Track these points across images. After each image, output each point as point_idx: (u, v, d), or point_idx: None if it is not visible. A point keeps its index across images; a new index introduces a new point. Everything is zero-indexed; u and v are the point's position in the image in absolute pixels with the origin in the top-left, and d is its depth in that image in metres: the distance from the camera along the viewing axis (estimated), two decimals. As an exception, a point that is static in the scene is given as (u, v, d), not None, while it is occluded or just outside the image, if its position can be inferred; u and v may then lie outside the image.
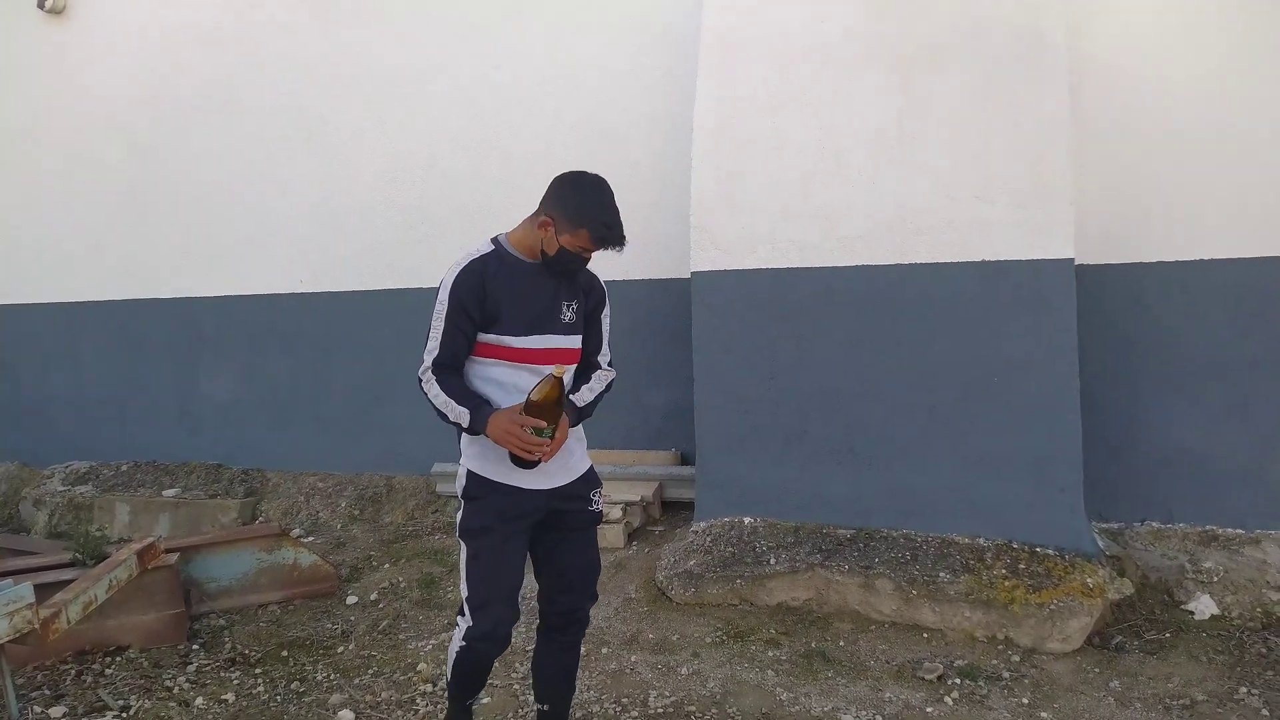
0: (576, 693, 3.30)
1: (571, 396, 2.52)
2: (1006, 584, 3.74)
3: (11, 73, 6.59)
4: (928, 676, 3.39)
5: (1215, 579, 4.00)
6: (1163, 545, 4.25)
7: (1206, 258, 4.34)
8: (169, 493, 5.75)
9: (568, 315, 2.51)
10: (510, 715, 3.19)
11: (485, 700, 3.22)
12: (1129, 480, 4.43)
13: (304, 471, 5.88)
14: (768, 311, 4.40)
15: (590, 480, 2.63)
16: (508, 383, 2.43)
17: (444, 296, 2.39)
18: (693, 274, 4.49)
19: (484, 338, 2.42)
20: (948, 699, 3.25)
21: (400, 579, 4.49)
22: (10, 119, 6.62)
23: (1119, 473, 4.43)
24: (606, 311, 2.68)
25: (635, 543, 4.74)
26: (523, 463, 2.34)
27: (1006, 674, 3.42)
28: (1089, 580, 3.72)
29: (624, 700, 3.28)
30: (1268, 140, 4.28)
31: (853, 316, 4.28)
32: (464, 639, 2.48)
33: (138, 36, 6.29)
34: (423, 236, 5.70)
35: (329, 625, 4.02)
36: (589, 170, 2.48)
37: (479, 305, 2.38)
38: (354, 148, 5.85)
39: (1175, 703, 3.21)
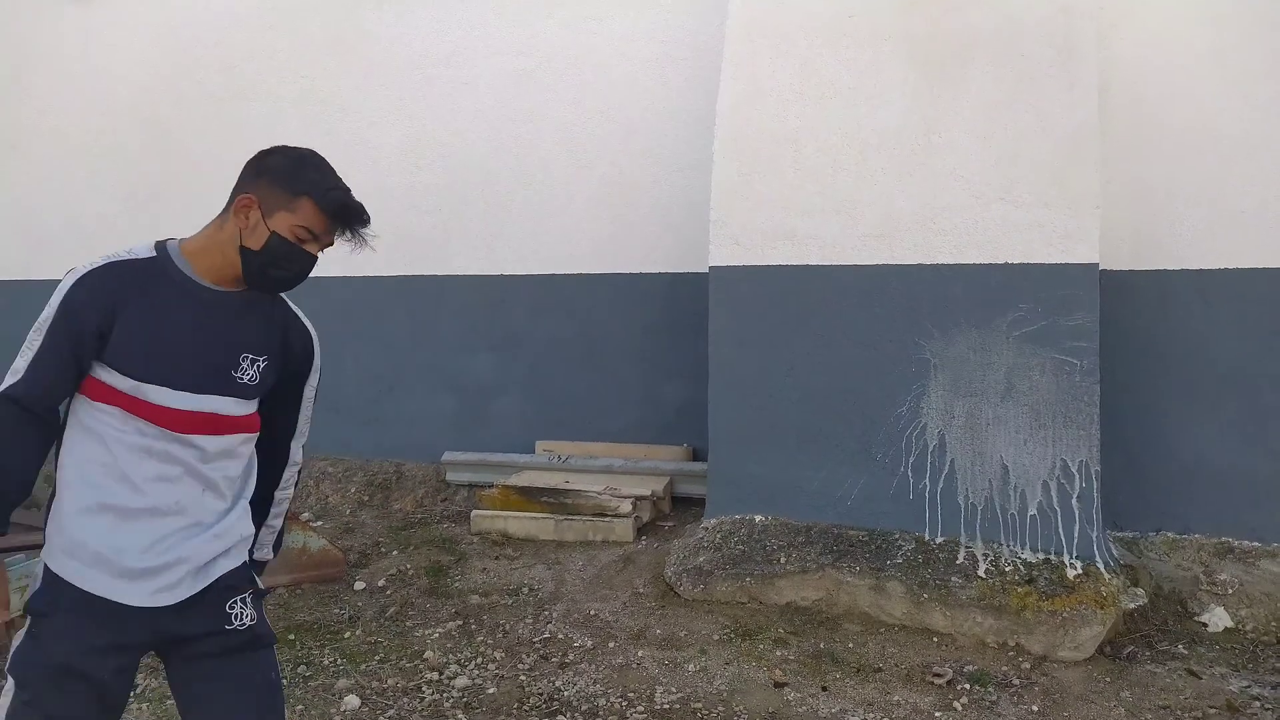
0: (582, 686, 3.29)
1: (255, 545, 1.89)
2: (1019, 590, 3.71)
3: (37, 57, 6.61)
4: (937, 681, 3.36)
5: (1230, 591, 3.96)
6: (1177, 556, 4.21)
7: (1231, 267, 4.29)
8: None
9: (247, 374, 1.77)
10: (516, 706, 3.18)
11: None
12: (1145, 489, 4.39)
13: (314, 456, 5.88)
14: (786, 308, 4.37)
15: (227, 589, 1.79)
16: (130, 453, 1.70)
17: (50, 308, 1.69)
18: (710, 268, 4.46)
19: (105, 376, 1.69)
20: (957, 704, 3.22)
21: (408, 566, 4.48)
22: (34, 102, 6.63)
23: (1136, 481, 4.38)
24: (315, 382, 1.94)
25: (644, 537, 4.72)
26: None
27: (1017, 681, 3.39)
28: (1102, 589, 3.68)
29: (630, 695, 3.26)
30: (1298, 149, 4.22)
31: (872, 316, 4.25)
32: None
33: (160, 22, 6.29)
34: (439, 223, 5.70)
35: (336, 610, 4.02)
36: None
37: (98, 329, 1.67)
38: (373, 134, 5.84)
39: (1187, 715, 3.17)
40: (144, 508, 1.71)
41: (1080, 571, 3.78)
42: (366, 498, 5.55)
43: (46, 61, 6.57)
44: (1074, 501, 3.93)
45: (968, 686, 3.33)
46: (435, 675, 3.39)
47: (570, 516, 4.78)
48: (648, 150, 5.27)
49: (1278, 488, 4.22)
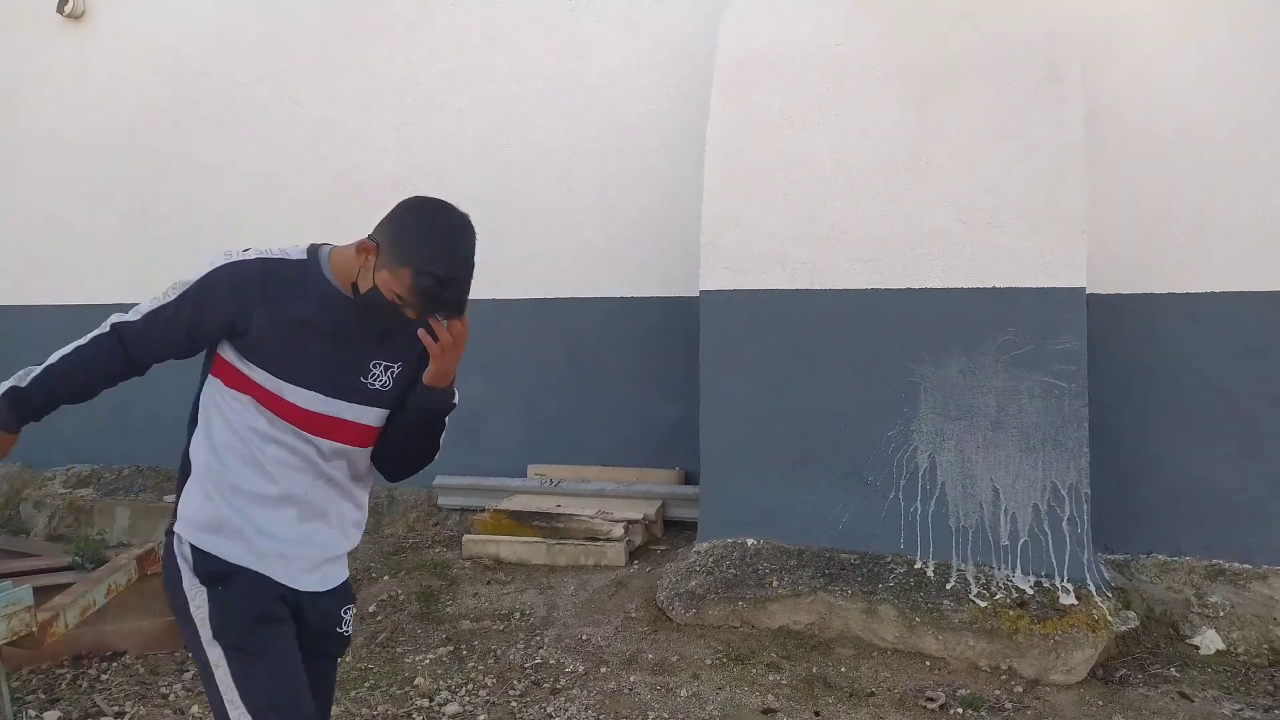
0: (574, 712, 3.28)
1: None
2: (1011, 613, 3.71)
3: (32, 78, 6.62)
4: (930, 706, 3.35)
5: (1221, 614, 3.96)
6: (1169, 578, 4.22)
7: (1218, 290, 4.33)
8: (169, 498, 5.71)
9: (380, 379, 1.84)
10: (507, 733, 3.16)
11: None
12: (1136, 512, 4.40)
13: (306, 480, 5.86)
14: (777, 332, 4.39)
15: (343, 595, 1.97)
16: (258, 439, 1.77)
17: (192, 277, 1.78)
18: (702, 292, 4.48)
19: (243, 368, 1.78)
20: (950, 729, 3.21)
21: (399, 591, 4.46)
22: (28, 122, 6.65)
23: (1126, 504, 4.39)
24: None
25: (636, 561, 4.71)
26: None
27: (1009, 705, 3.39)
28: (1094, 612, 3.68)
29: (622, 721, 3.25)
30: (1282, 174, 4.28)
31: (862, 340, 4.27)
32: None
33: (156, 44, 6.32)
34: (432, 248, 5.71)
35: (327, 636, 3.99)
36: (451, 205, 1.82)
37: (227, 319, 1.75)
38: (366, 159, 5.86)
39: (1180, 739, 3.17)
40: (277, 494, 1.79)
41: (1072, 594, 3.78)
42: (358, 522, 5.52)
43: (42, 83, 6.58)
44: (1064, 524, 3.94)
45: (960, 711, 3.33)
46: (426, 702, 3.37)
47: (562, 540, 4.77)
48: (639, 176, 5.30)
49: (1268, 509, 4.24)
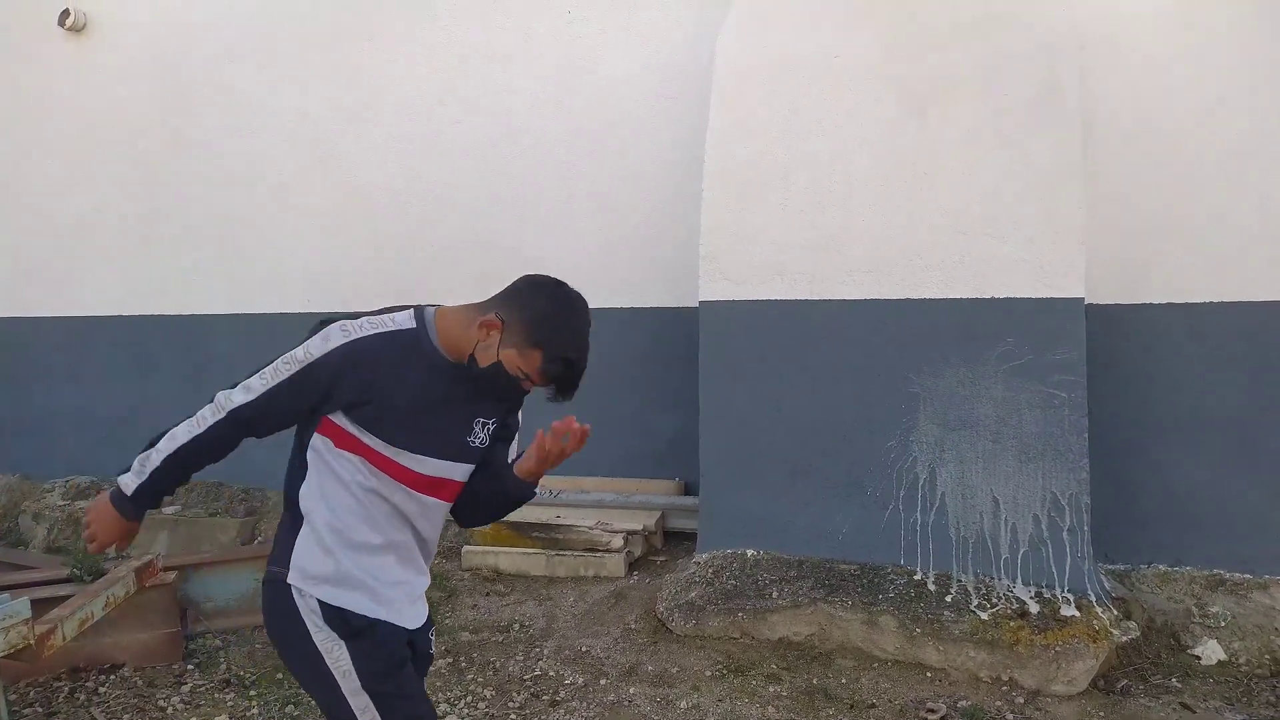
0: (574, 724, 3.26)
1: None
2: (1011, 624, 3.70)
3: (32, 90, 6.64)
4: (930, 717, 3.34)
5: (1222, 624, 3.95)
6: (1169, 588, 4.21)
7: (1216, 300, 4.33)
8: (168, 510, 5.72)
9: (479, 437, 1.94)
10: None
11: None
12: (1137, 522, 4.39)
13: (305, 492, 5.85)
14: (776, 343, 4.39)
15: (429, 622, 2.09)
16: (365, 494, 1.85)
17: (309, 352, 1.81)
18: (701, 303, 4.49)
19: (358, 434, 1.83)
20: (951, 740, 3.20)
21: (398, 603, 4.44)
22: (27, 135, 6.67)
23: (1127, 515, 4.39)
24: (518, 417, 2.09)
25: (636, 573, 4.70)
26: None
27: (1010, 716, 3.37)
28: (1095, 622, 3.67)
29: (622, 733, 3.23)
30: None
31: (861, 350, 4.27)
32: None
33: (154, 56, 6.34)
34: (429, 260, 5.72)
35: (325, 648, 3.98)
36: (569, 286, 1.92)
37: (349, 399, 1.81)
38: (365, 170, 5.88)
39: (1182, 750, 3.16)
40: (382, 543, 1.89)
41: (1072, 605, 3.77)
42: (357, 534, 5.51)
43: (43, 95, 6.61)
44: (1065, 534, 3.93)
45: (961, 722, 3.31)
46: (424, 714, 3.35)
47: (562, 552, 4.76)
48: (639, 187, 5.31)
49: (1268, 519, 4.23)
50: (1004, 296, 4.09)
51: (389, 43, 5.85)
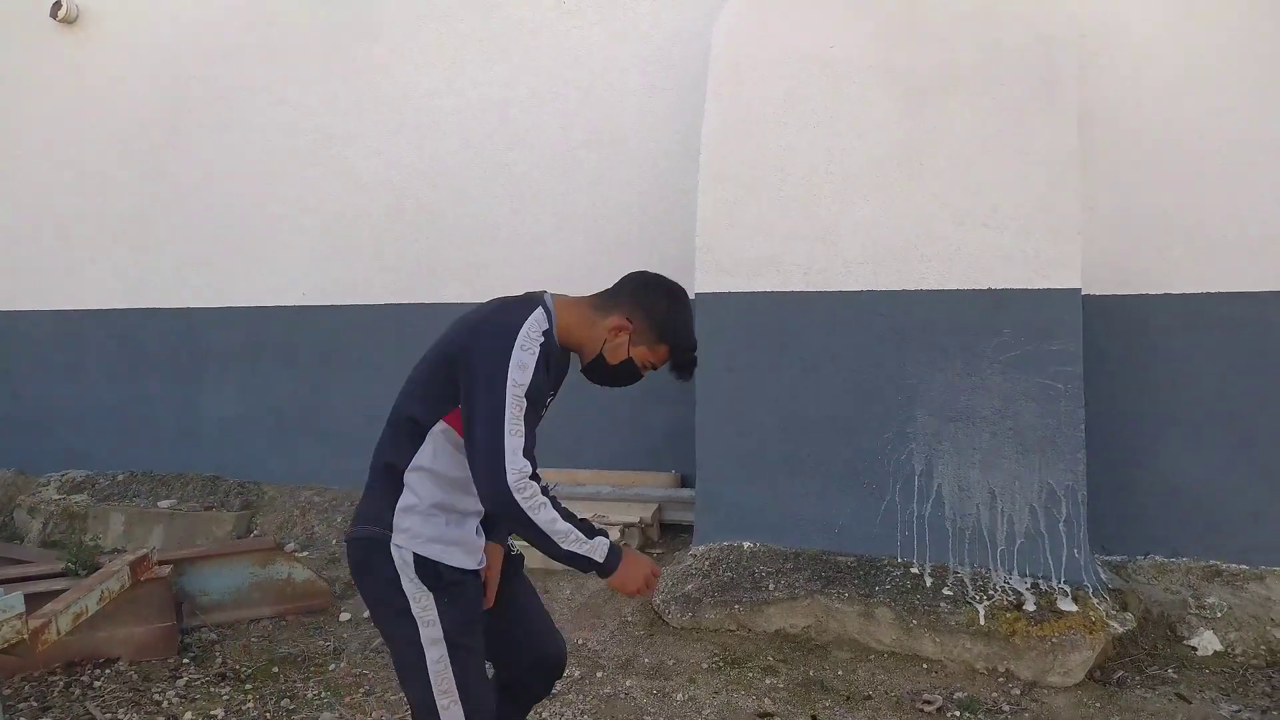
0: (569, 717, 3.26)
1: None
2: (1008, 616, 3.70)
3: (23, 82, 6.61)
4: (927, 709, 3.34)
5: (1219, 615, 3.95)
6: (1166, 580, 4.21)
7: (1213, 291, 4.33)
8: (164, 504, 5.71)
9: (544, 418, 2.11)
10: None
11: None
12: (1133, 513, 4.39)
13: (301, 485, 5.84)
14: (772, 335, 4.38)
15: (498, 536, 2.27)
16: (461, 469, 1.98)
17: (527, 377, 1.89)
18: (697, 295, 4.47)
19: None
20: (947, 732, 3.20)
21: (395, 596, 4.44)
22: (20, 128, 6.64)
23: (1123, 506, 4.39)
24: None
25: (633, 565, 4.69)
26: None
27: (1007, 707, 3.37)
28: (1091, 614, 3.67)
29: (618, 726, 3.23)
30: (1277, 175, 4.27)
31: (857, 342, 4.26)
32: None
33: (150, 52, 6.32)
34: (426, 251, 5.71)
35: (321, 642, 3.98)
36: (674, 282, 2.14)
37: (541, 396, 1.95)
38: (361, 163, 5.86)
39: (1178, 741, 3.16)
40: (475, 511, 2.06)
41: (1069, 597, 3.77)
42: (353, 527, 5.51)
43: (35, 88, 6.58)
44: (1061, 526, 3.93)
45: (958, 714, 3.31)
46: (421, 707, 3.34)
47: (558, 545, 4.75)
48: (634, 178, 5.30)
49: (1264, 510, 4.24)
50: (1001, 288, 4.09)
51: (383, 36, 5.82)
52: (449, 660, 1.96)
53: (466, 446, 1.91)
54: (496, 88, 5.59)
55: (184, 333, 6.24)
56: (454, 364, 1.94)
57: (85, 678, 3.58)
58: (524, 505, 1.86)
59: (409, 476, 2.01)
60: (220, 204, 6.15)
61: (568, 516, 1.93)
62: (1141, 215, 4.44)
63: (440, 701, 1.97)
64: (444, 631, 1.96)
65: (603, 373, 2.10)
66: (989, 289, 4.10)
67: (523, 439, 1.87)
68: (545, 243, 5.49)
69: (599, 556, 1.93)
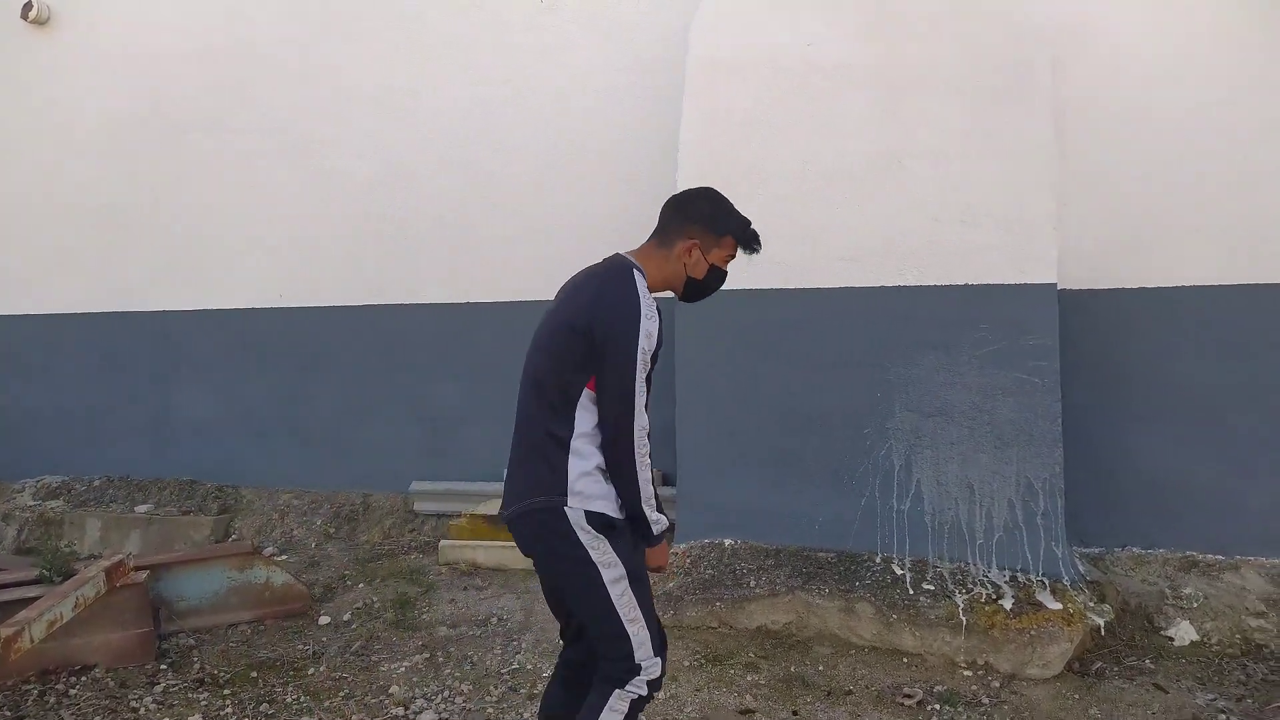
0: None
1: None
2: (987, 609, 3.72)
3: (-5, 84, 6.54)
4: (908, 703, 3.35)
5: (1195, 605, 3.99)
6: (1143, 571, 4.25)
7: (1188, 284, 4.37)
8: (141, 509, 5.65)
9: None
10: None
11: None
12: (1110, 506, 4.43)
13: (279, 488, 5.80)
14: (751, 332, 4.39)
15: None
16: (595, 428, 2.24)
17: (649, 332, 2.16)
18: (676, 294, 4.47)
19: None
20: (927, 726, 3.21)
21: (374, 599, 4.42)
22: (-8, 129, 6.56)
23: (1100, 498, 4.42)
24: None
25: (615, 564, 4.68)
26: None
27: (986, 700, 3.39)
28: (1069, 606, 3.70)
29: (600, 725, 3.22)
30: (1251, 171, 4.32)
31: (837, 339, 4.28)
32: (646, 690, 2.26)
33: (124, 53, 6.26)
34: (404, 252, 5.68)
35: (300, 646, 3.95)
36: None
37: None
38: (337, 165, 5.83)
39: (1155, 731, 3.18)
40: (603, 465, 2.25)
41: (1047, 589, 3.80)
42: (333, 530, 5.47)
43: (7, 91, 6.50)
44: (1039, 519, 3.96)
45: (938, 707, 3.33)
46: (401, 710, 3.33)
47: (540, 545, 4.74)
48: (614, 178, 5.29)
49: (1239, 501, 4.28)
50: (978, 283, 4.11)
51: (359, 38, 5.79)
52: (631, 591, 2.21)
53: (601, 401, 2.16)
54: (475, 86, 5.59)
55: (159, 336, 6.18)
56: (586, 337, 2.15)
57: (60, 686, 3.53)
58: (638, 457, 2.16)
59: (576, 443, 2.20)
60: (195, 206, 6.10)
61: (648, 469, 2.20)
62: (1117, 207, 4.47)
63: (630, 628, 2.22)
64: (623, 567, 2.20)
65: (698, 290, 2.35)
66: (966, 285, 4.13)
67: (645, 397, 2.17)
68: (525, 243, 5.48)
69: (656, 529, 2.23)
